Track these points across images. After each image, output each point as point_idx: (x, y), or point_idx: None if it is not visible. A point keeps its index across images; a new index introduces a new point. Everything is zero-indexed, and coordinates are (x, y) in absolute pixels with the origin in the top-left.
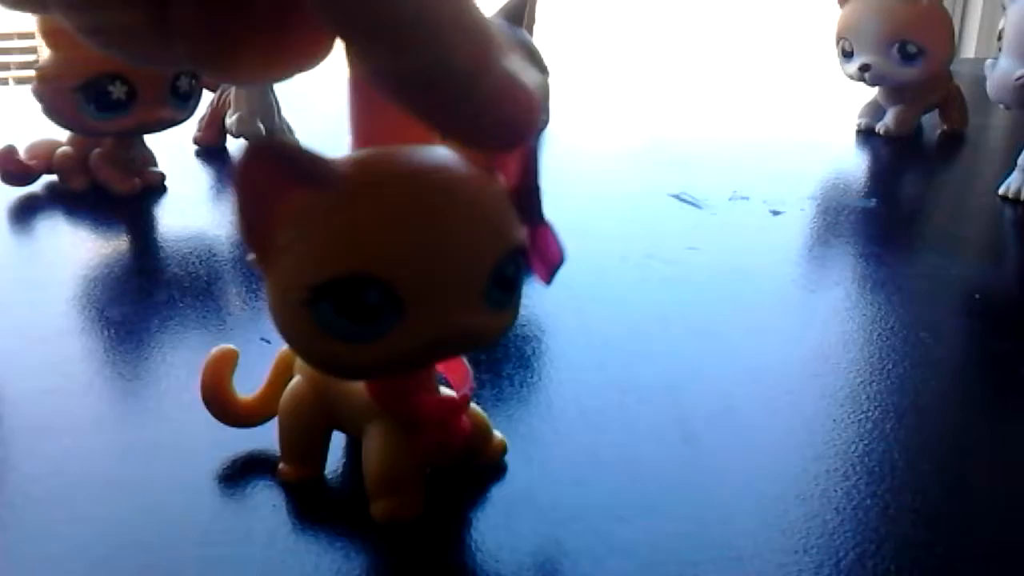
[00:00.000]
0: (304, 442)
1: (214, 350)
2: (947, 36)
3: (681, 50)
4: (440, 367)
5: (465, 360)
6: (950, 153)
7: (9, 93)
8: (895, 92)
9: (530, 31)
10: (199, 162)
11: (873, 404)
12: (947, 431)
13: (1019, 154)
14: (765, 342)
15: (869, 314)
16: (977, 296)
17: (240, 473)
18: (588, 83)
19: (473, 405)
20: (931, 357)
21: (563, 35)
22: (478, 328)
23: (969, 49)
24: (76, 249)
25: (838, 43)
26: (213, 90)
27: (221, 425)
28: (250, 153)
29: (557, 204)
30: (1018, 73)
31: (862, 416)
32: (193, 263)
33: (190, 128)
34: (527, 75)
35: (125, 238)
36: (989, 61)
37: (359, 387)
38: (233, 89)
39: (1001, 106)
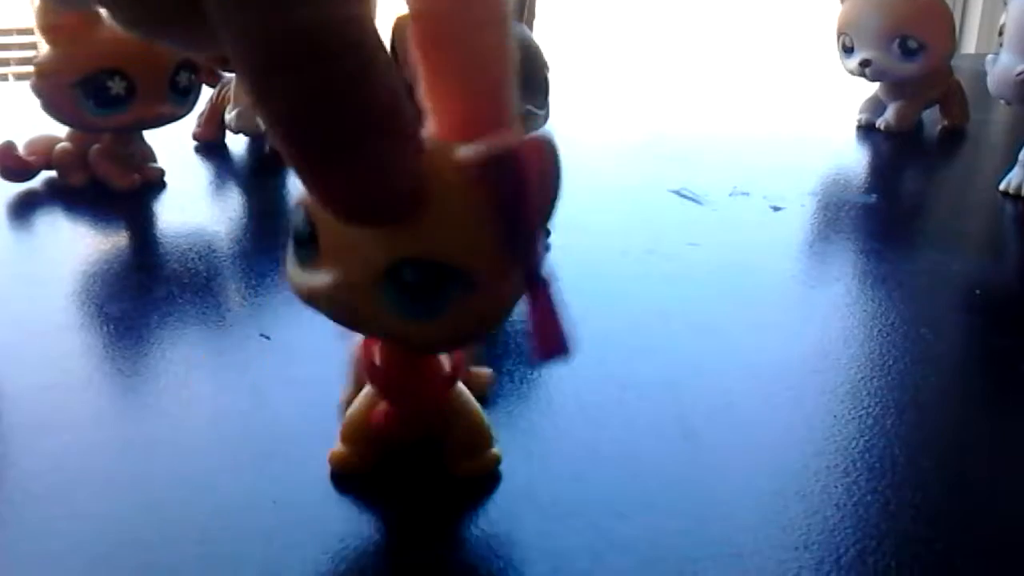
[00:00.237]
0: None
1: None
2: (948, 31)
3: (682, 45)
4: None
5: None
6: (951, 149)
7: (8, 89)
8: (896, 87)
9: (531, 26)
10: (198, 158)
11: (873, 400)
12: (947, 427)
13: (1020, 150)
14: (765, 338)
15: (869, 310)
16: (978, 292)
17: (239, 469)
18: (588, 78)
19: (466, 402)
20: (931, 353)
21: (564, 30)
22: (362, 314)
23: (970, 44)
24: (75, 245)
25: (839, 38)
26: (212, 86)
27: (220, 421)
28: None
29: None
30: (1019, 68)
31: (862, 412)
32: (192, 259)
33: (189, 124)
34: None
35: (124, 234)
36: (990, 56)
37: None
38: (233, 84)
39: (1002, 102)
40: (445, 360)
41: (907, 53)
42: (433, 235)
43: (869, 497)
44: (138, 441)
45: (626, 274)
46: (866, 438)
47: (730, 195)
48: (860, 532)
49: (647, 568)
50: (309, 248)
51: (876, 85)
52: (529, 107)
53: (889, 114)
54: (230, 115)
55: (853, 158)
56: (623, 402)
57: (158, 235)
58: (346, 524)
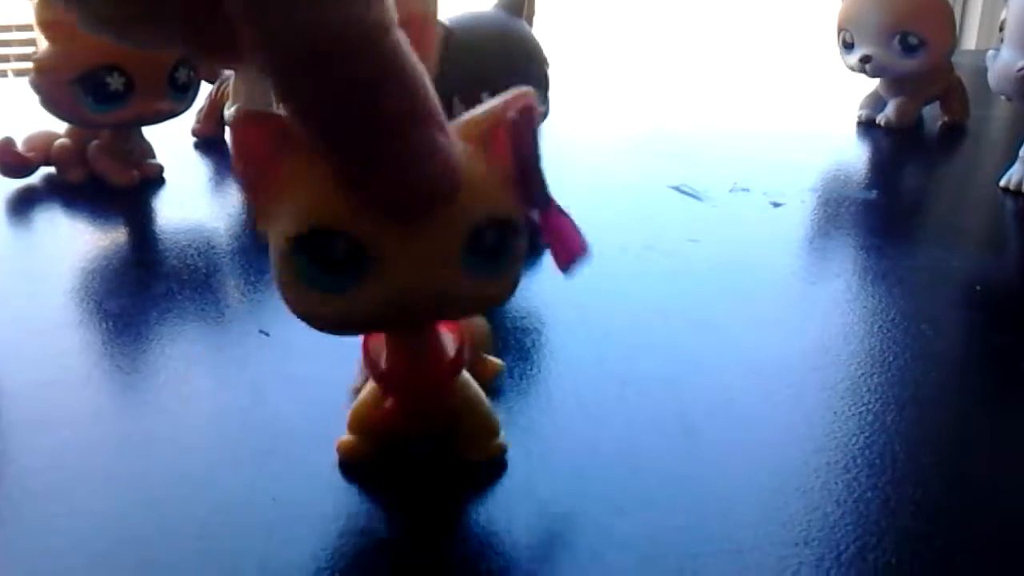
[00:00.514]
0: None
1: None
2: (948, 27)
3: (682, 41)
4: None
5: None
6: (951, 145)
7: (7, 85)
8: (896, 83)
9: (530, 22)
10: (197, 154)
11: (874, 396)
12: (948, 423)
13: (1020, 146)
14: (765, 334)
15: (870, 306)
16: (978, 288)
17: (239, 466)
18: (588, 74)
19: (473, 391)
20: (932, 349)
21: (564, 26)
22: (448, 290)
23: (970, 40)
24: (74, 241)
25: (839, 34)
26: (211, 81)
27: (219, 418)
28: (242, 120)
29: (556, 195)
30: (1019, 64)
31: (863, 409)
32: (191, 255)
33: (188, 120)
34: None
35: (123, 230)
36: (990, 52)
37: None
38: (231, 80)
39: (1002, 97)
40: (449, 348)
41: (907, 49)
42: (488, 196)
43: (869, 493)
44: (137, 437)
45: (626, 270)
46: (866, 434)
47: (730, 191)
48: (860, 528)
49: (647, 564)
50: (351, 271)
51: (876, 81)
52: None
53: (889, 110)
54: (229, 111)
55: (853, 154)
56: (623, 399)
57: (157, 231)
58: (345, 520)
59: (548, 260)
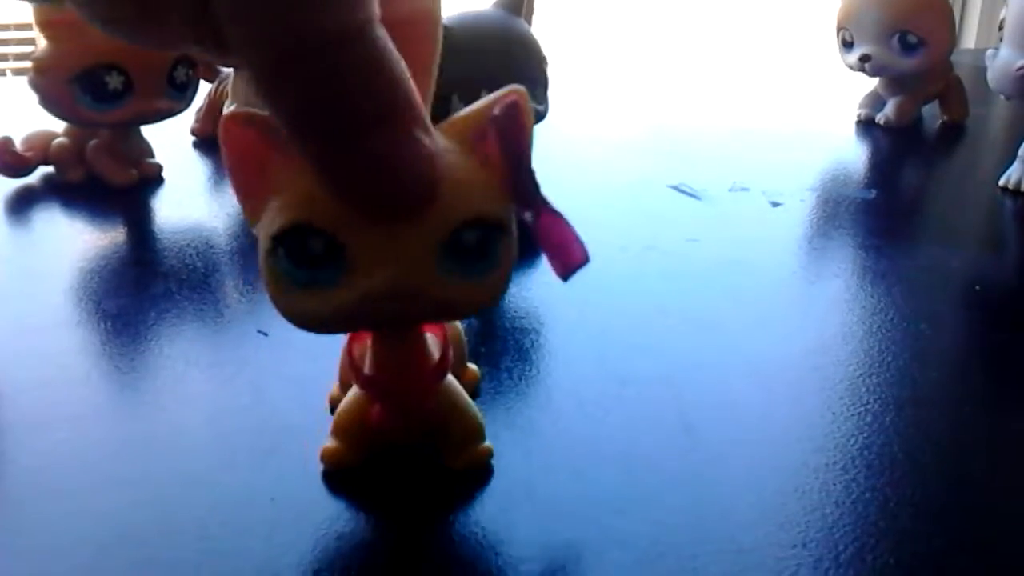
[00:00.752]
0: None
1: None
2: (947, 26)
3: (681, 40)
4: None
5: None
6: (950, 144)
7: (6, 84)
8: (895, 82)
9: (529, 21)
10: (196, 153)
11: (873, 396)
12: (947, 424)
13: (1020, 145)
14: (764, 334)
15: (869, 306)
16: (977, 288)
17: (237, 466)
18: (588, 73)
19: (459, 395)
20: (931, 349)
21: (563, 25)
22: (424, 292)
23: (969, 39)
24: (72, 241)
25: (838, 33)
26: (210, 81)
27: (218, 417)
28: (231, 120)
29: (555, 194)
30: (1019, 63)
31: (862, 409)
32: (190, 255)
33: (187, 119)
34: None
35: (122, 230)
36: (990, 51)
37: None
38: (230, 79)
39: (1002, 96)
40: (433, 351)
41: (907, 48)
42: (469, 196)
43: (868, 494)
44: (136, 438)
45: (625, 270)
46: (865, 435)
47: (729, 191)
48: (859, 529)
49: (646, 564)
50: (328, 267)
51: (876, 80)
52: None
53: (889, 109)
54: (228, 110)
55: (852, 153)
56: (622, 398)
57: (156, 231)
58: (345, 521)
59: (547, 261)
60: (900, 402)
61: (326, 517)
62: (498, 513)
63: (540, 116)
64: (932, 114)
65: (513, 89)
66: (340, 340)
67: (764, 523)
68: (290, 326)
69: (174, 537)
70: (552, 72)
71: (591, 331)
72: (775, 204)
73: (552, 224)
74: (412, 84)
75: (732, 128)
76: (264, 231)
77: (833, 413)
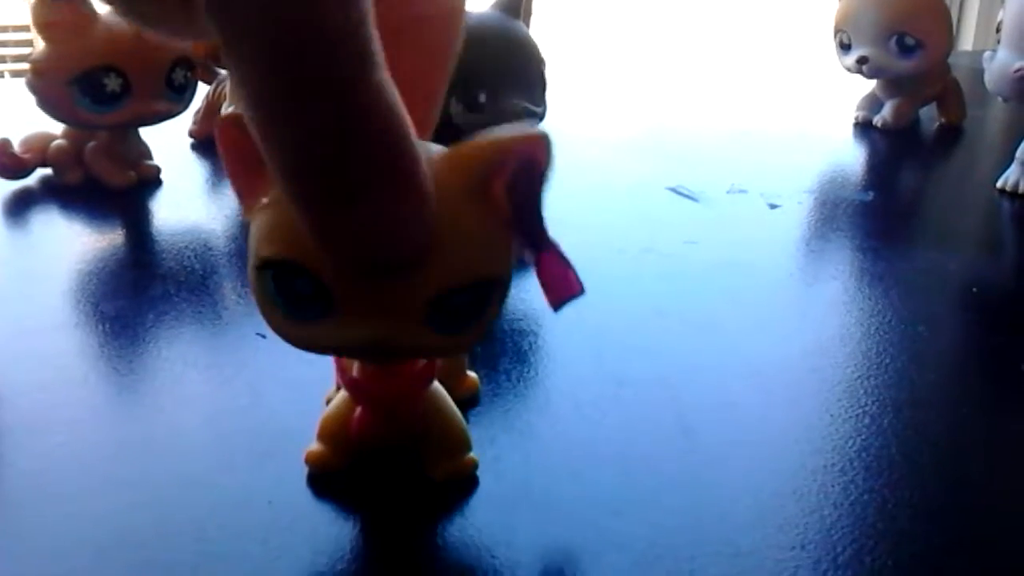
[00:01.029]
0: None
1: None
2: (945, 28)
3: (678, 42)
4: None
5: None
6: (948, 146)
7: (4, 86)
8: (893, 84)
9: (527, 23)
10: (195, 155)
11: (871, 398)
12: (944, 425)
13: (1017, 147)
14: (762, 336)
15: (866, 308)
16: (975, 290)
17: (236, 468)
18: (586, 74)
19: (444, 404)
20: (928, 351)
21: (560, 26)
22: (409, 344)
23: (967, 41)
24: (71, 243)
25: (836, 35)
26: (209, 82)
27: (216, 420)
28: (228, 123)
29: (553, 196)
30: (1016, 65)
31: (860, 411)
32: (189, 257)
33: (185, 121)
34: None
35: (120, 232)
36: (987, 53)
37: None
38: (229, 81)
39: (999, 98)
40: (420, 360)
41: (904, 50)
42: (463, 259)
43: (866, 496)
44: (134, 440)
45: (623, 272)
46: (863, 436)
47: (727, 193)
48: (857, 531)
49: (644, 566)
50: (314, 306)
51: (873, 82)
52: (526, 104)
53: (886, 111)
54: (226, 112)
55: (850, 155)
56: (620, 400)
57: (154, 233)
58: (341, 524)
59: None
60: (898, 404)
61: (322, 520)
62: (496, 515)
63: (538, 118)
64: (930, 116)
65: (532, 137)
66: None
67: (762, 525)
68: None
69: (172, 539)
70: (550, 74)
71: (589, 333)
72: (773, 206)
73: (551, 260)
74: (412, 131)
75: (730, 130)
76: (252, 247)
77: (831, 415)
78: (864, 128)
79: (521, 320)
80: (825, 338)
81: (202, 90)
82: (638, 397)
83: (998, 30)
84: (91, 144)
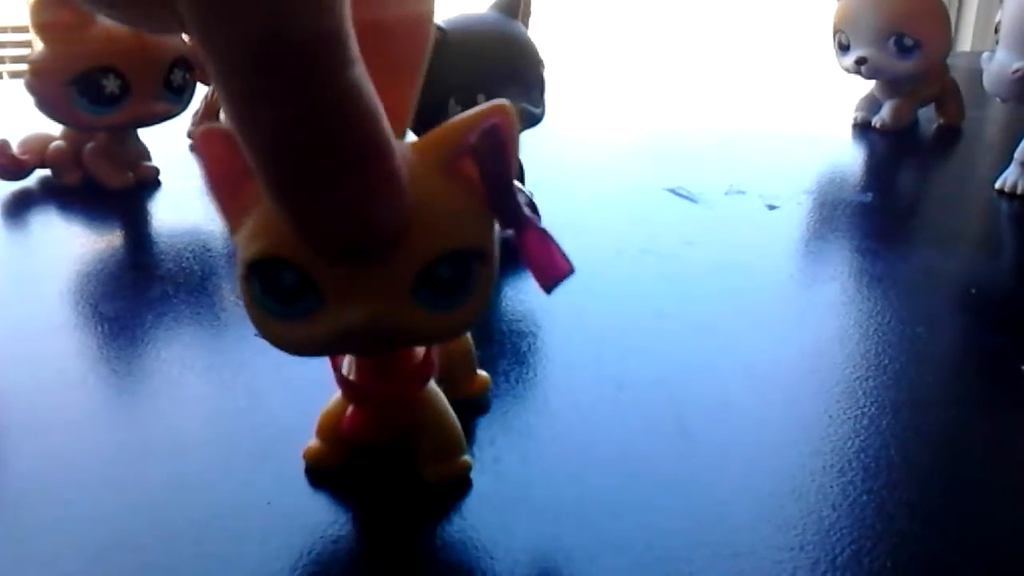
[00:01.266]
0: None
1: None
2: (944, 29)
3: (677, 43)
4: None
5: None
6: (946, 147)
7: (2, 87)
8: (891, 85)
9: (526, 24)
10: (193, 156)
11: (869, 399)
12: (943, 426)
13: (1016, 148)
14: (761, 337)
15: (865, 309)
16: (973, 291)
17: (235, 470)
18: (585, 76)
19: (438, 404)
20: (927, 352)
21: (559, 28)
22: (400, 326)
23: (965, 42)
24: (69, 244)
25: (834, 36)
26: (207, 83)
27: (214, 421)
28: (206, 136)
29: (552, 198)
30: (1015, 66)
31: (858, 412)
32: (187, 258)
33: (184, 122)
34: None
35: (119, 233)
36: (986, 54)
37: None
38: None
39: (998, 99)
40: (417, 353)
41: (903, 51)
42: (442, 230)
43: (865, 497)
44: (133, 442)
45: (621, 273)
46: (862, 437)
47: (726, 194)
48: (856, 532)
49: (643, 567)
50: (302, 300)
51: (872, 83)
52: (525, 105)
53: (885, 112)
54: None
55: (849, 156)
56: (618, 402)
57: (153, 234)
58: (340, 525)
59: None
60: (897, 405)
61: (321, 522)
62: (494, 516)
63: (537, 119)
64: (928, 117)
65: (495, 107)
66: None
67: (761, 526)
68: None
69: (170, 542)
70: (549, 75)
71: (587, 334)
72: (771, 207)
73: (534, 238)
74: (386, 121)
75: (729, 131)
76: (238, 255)
77: (830, 416)
78: (863, 129)
79: (520, 321)
80: (824, 339)
81: (201, 91)
82: (636, 398)
83: (996, 31)
84: (90, 145)
